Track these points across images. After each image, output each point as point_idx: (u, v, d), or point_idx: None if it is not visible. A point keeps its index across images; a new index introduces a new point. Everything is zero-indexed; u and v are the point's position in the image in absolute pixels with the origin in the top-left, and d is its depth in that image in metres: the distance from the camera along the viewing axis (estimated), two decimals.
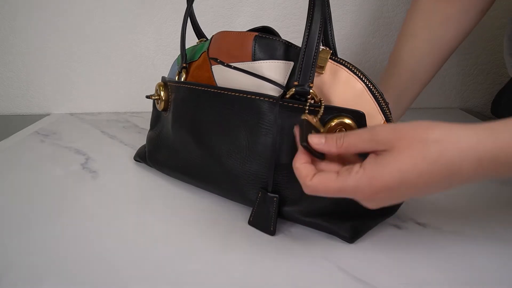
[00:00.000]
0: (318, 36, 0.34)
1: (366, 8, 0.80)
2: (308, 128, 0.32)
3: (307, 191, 0.30)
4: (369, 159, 0.28)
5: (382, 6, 0.79)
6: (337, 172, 0.29)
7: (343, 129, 0.34)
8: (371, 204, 0.29)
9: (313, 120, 0.33)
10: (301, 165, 0.30)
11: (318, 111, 0.34)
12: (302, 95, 0.35)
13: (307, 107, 0.35)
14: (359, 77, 0.35)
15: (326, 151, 0.30)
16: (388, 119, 0.36)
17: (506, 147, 0.24)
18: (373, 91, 0.35)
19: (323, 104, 0.34)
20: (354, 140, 0.29)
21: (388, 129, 0.28)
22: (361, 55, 0.83)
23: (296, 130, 0.32)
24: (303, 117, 0.33)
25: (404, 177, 0.26)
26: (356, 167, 0.28)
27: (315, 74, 0.36)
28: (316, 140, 0.30)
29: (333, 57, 0.36)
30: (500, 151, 0.24)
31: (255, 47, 0.39)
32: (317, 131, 0.33)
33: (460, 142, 0.25)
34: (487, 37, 0.81)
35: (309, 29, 0.34)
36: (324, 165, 0.31)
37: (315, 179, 0.29)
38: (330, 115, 0.34)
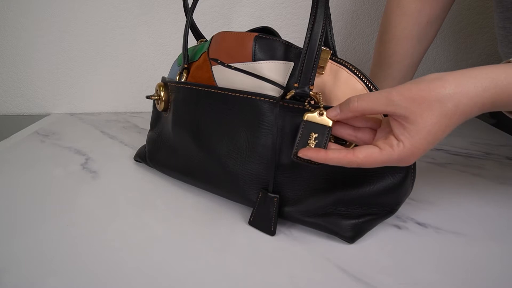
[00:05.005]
0: (320, 38, 0.33)
1: (365, 8, 0.80)
2: (308, 129, 0.33)
3: (352, 165, 0.32)
4: (399, 130, 0.31)
5: (382, 6, 0.79)
6: (378, 147, 0.31)
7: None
8: (409, 164, 0.32)
9: (316, 117, 0.34)
10: (332, 150, 0.32)
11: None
12: (302, 97, 0.35)
13: (308, 107, 0.35)
14: (359, 77, 0.35)
15: (344, 119, 0.33)
16: None
17: (503, 92, 0.30)
18: (373, 91, 0.35)
19: (322, 105, 0.34)
20: (372, 104, 0.31)
21: (403, 91, 0.30)
22: (361, 55, 0.83)
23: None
24: (305, 117, 0.33)
25: (433, 136, 0.30)
26: (394, 140, 0.31)
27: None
28: (333, 113, 0.33)
29: (333, 57, 0.36)
30: (498, 96, 0.30)
31: (255, 47, 0.39)
32: (320, 130, 0.33)
33: (469, 92, 0.29)
34: (488, 37, 0.81)
35: (311, 30, 0.33)
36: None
37: (359, 154, 0.31)
38: None
